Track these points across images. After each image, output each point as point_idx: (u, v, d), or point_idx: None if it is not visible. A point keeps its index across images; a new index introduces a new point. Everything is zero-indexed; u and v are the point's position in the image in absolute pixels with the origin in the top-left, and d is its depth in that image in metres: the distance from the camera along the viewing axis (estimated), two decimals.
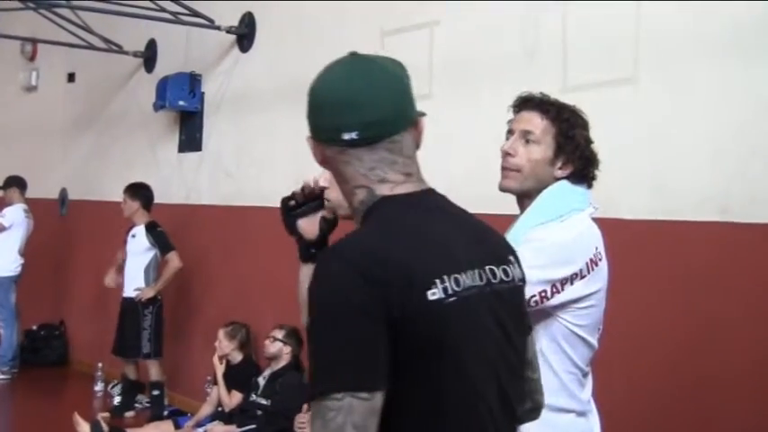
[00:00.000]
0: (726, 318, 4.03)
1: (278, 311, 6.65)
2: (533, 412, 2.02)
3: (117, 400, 7.93)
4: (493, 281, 1.78)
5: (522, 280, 1.90)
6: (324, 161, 1.83)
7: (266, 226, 6.93)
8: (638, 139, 4.33)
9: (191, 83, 7.73)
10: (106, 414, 7.12)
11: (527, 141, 2.67)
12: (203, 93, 7.79)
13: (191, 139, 7.93)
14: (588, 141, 2.75)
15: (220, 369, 6.56)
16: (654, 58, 4.35)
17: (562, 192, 2.69)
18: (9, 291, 9.18)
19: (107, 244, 8.53)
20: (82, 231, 9.67)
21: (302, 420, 5.34)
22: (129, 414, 7.67)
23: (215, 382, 6.74)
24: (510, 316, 1.82)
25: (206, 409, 6.72)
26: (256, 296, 7.08)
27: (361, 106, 1.74)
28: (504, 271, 1.82)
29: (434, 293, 1.65)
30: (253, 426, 6.08)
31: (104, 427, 6.03)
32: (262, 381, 6.32)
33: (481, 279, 1.75)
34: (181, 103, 7.71)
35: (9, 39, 9.37)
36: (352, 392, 1.55)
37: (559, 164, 2.69)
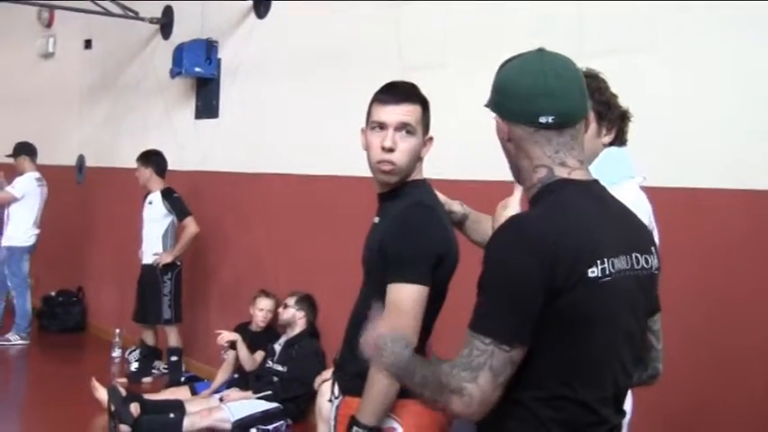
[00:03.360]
0: (743, 284, 4.01)
1: (292, 278, 6.68)
2: (653, 378, 2.34)
3: (134, 365, 7.99)
4: (636, 266, 2.06)
5: (658, 269, 2.17)
6: (509, 138, 2.07)
7: (282, 193, 6.98)
8: (655, 105, 4.29)
9: (207, 49, 7.72)
10: (123, 380, 7.17)
11: None
12: (220, 59, 7.77)
13: (207, 105, 7.92)
14: (616, 97, 2.79)
15: (237, 337, 6.59)
16: (672, 25, 4.30)
17: (609, 160, 2.76)
18: (21, 260, 9.15)
19: (124, 210, 8.57)
20: (99, 198, 9.71)
21: (325, 379, 5.35)
22: (147, 380, 7.74)
23: (231, 347, 6.78)
24: (642, 298, 2.11)
25: (222, 375, 6.76)
26: (271, 262, 7.10)
27: (558, 95, 2.01)
28: (646, 259, 2.10)
29: (593, 272, 1.93)
30: (269, 392, 6.12)
31: (122, 391, 6.07)
32: (278, 347, 6.35)
33: (628, 264, 2.03)
34: (197, 69, 7.70)
35: (26, 5, 9.35)
36: (497, 343, 1.89)
37: (604, 131, 2.75)
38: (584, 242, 1.94)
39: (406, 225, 2.68)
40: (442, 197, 2.89)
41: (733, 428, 3.99)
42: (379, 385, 2.58)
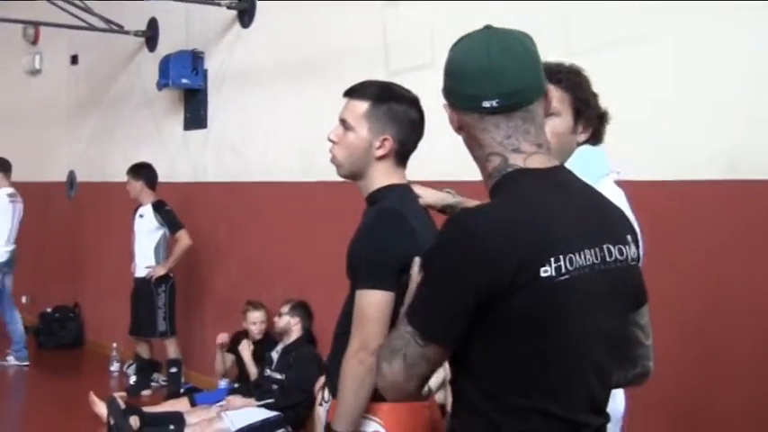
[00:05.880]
0: (735, 276, 4.02)
1: (287, 285, 6.68)
2: (643, 377, 2.15)
3: (133, 379, 7.97)
4: (608, 259, 1.89)
5: (636, 259, 2.00)
6: (460, 128, 1.95)
7: (273, 201, 6.97)
8: (645, 98, 4.30)
9: (193, 60, 7.72)
10: (123, 393, 7.16)
11: (549, 115, 2.64)
12: (206, 70, 7.77)
13: (195, 116, 7.92)
14: (596, 97, 2.75)
15: (247, 349, 6.68)
16: (661, 17, 4.31)
17: (585, 158, 2.69)
18: None
19: (118, 224, 8.55)
20: (91, 213, 9.69)
21: (321, 384, 5.35)
22: (146, 393, 7.73)
23: (229, 350, 6.84)
24: (618, 293, 1.93)
25: (220, 365, 6.93)
26: (266, 271, 7.10)
27: (501, 75, 1.85)
28: (620, 250, 1.93)
29: (546, 271, 1.77)
30: (271, 399, 6.11)
31: (121, 404, 6.06)
32: (275, 355, 6.34)
33: (596, 258, 1.87)
34: (184, 80, 7.70)
35: (11, 23, 9.34)
36: (414, 335, 1.84)
37: (580, 129, 2.70)
38: (537, 238, 1.78)
39: (369, 231, 2.67)
40: (435, 194, 2.90)
41: (728, 423, 4.00)
42: (347, 391, 2.57)
